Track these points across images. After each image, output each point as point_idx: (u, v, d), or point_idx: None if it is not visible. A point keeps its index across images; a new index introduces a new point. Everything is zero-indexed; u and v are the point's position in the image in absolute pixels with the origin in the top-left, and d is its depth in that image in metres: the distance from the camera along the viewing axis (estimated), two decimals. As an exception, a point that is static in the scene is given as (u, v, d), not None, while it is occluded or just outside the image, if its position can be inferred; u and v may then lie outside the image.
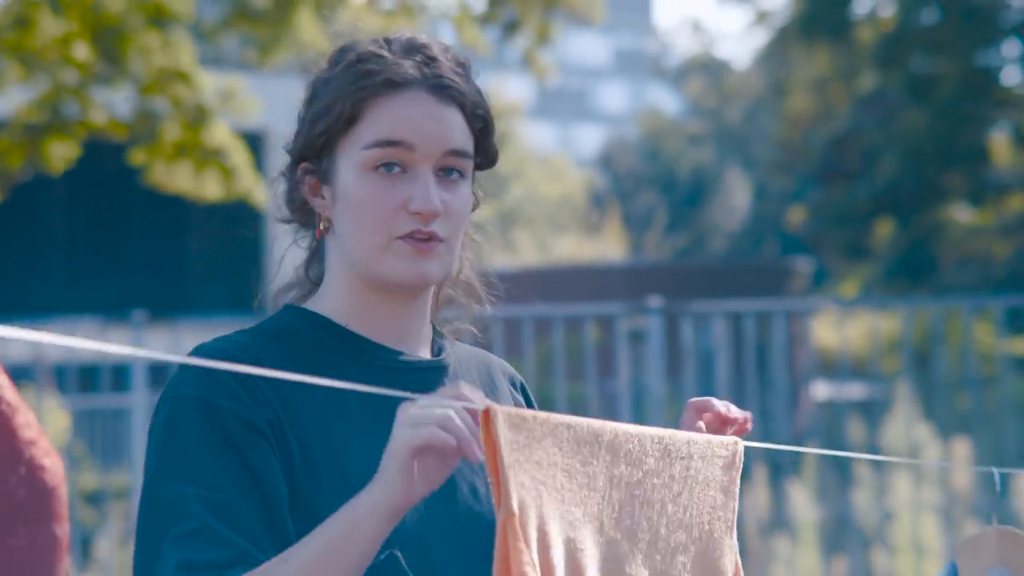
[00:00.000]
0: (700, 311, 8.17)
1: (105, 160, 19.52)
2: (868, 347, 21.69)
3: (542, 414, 1.85)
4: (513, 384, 2.38)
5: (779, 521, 9.85)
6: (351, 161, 2.16)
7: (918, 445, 9.28)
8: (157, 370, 8.61)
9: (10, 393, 1.90)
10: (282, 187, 2.28)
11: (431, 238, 2.13)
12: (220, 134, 11.82)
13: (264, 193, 12.32)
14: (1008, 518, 8.59)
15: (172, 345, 7.62)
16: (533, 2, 13.31)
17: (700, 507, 2.08)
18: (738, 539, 2.16)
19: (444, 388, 1.89)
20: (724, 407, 2.20)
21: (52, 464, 1.92)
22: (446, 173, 2.15)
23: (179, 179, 11.99)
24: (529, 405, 2.37)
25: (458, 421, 1.82)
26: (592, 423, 1.93)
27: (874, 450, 9.63)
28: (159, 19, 11.72)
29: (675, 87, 63.26)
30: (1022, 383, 13.02)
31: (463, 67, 2.19)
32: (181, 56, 11.72)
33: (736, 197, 51.94)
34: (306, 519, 2.05)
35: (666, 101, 67.97)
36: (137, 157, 12.12)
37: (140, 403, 7.52)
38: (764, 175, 45.57)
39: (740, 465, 2.13)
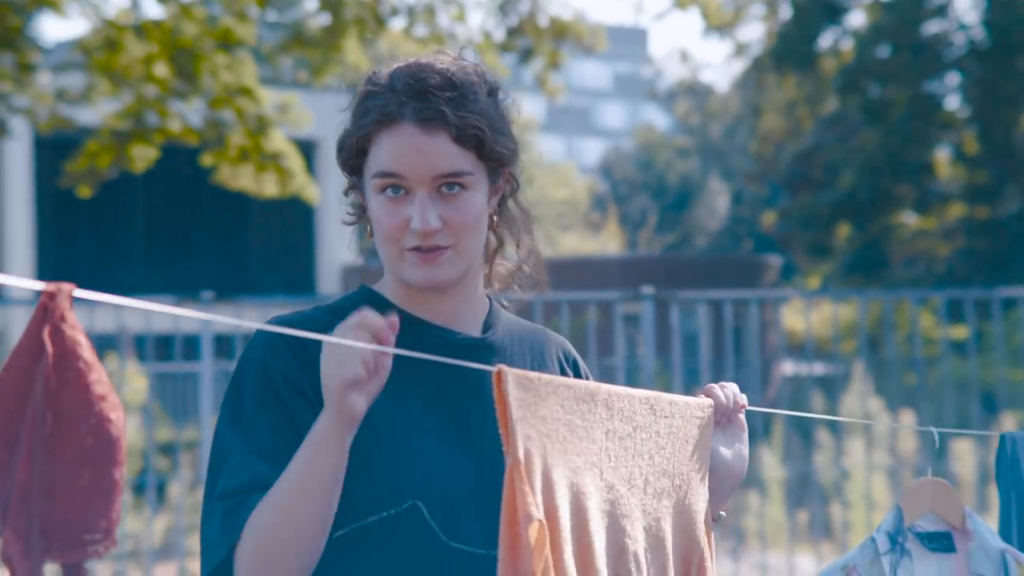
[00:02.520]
0: (686, 299, 8.13)
1: (180, 162, 19.55)
2: (829, 332, 21.67)
3: (546, 376, 1.85)
4: (566, 359, 2.34)
5: (750, 479, 9.83)
6: (369, 185, 2.16)
7: (870, 415, 9.26)
8: (221, 341, 8.61)
9: (87, 352, 1.91)
10: (349, 196, 2.27)
11: (436, 249, 2.12)
12: (278, 141, 11.83)
13: (315, 192, 12.32)
14: (946, 476, 8.55)
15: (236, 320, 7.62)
16: (545, 33, 13.28)
17: (680, 458, 2.07)
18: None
19: (357, 321, 1.92)
20: (725, 398, 2.19)
21: (117, 417, 1.93)
22: (448, 188, 2.12)
23: (242, 179, 12.01)
24: (578, 376, 2.34)
25: (371, 358, 1.91)
26: (588, 384, 1.94)
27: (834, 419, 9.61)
28: (227, 43, 11.73)
29: (666, 107, 63.09)
30: (959, 364, 12.98)
31: (459, 90, 2.12)
32: (245, 74, 11.72)
33: (717, 202, 51.83)
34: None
35: (658, 119, 67.82)
36: (207, 160, 12.13)
37: (207, 369, 7.51)
38: (741, 184, 45.46)
39: (712, 424, 2.12)
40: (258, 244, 25.23)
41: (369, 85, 2.17)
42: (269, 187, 11.94)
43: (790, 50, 29.43)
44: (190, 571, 8.87)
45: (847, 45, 29.87)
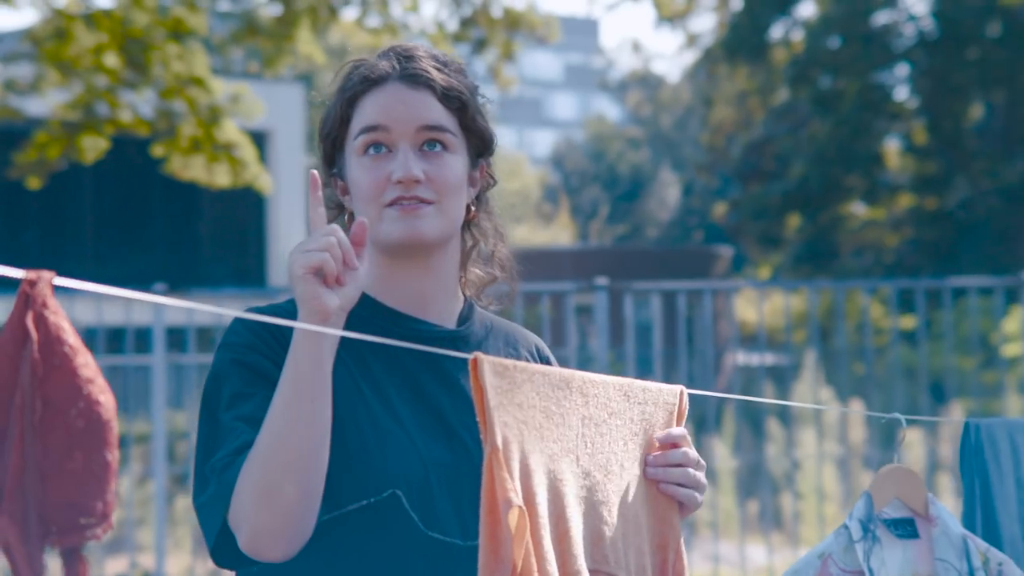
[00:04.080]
0: (640, 289, 8.14)
1: (130, 153, 19.39)
2: (780, 322, 21.78)
3: (522, 363, 1.86)
4: (539, 356, 2.35)
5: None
6: (351, 153, 2.16)
7: (821, 404, 9.31)
8: (173, 334, 8.55)
9: (72, 337, 1.92)
10: (326, 191, 2.25)
11: (419, 202, 2.11)
12: (230, 131, 11.77)
13: (268, 182, 12.27)
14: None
15: (188, 314, 7.55)
16: (498, 23, 13.27)
17: (651, 445, 2.08)
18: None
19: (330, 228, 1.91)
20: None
21: (106, 400, 1.94)
22: (429, 146, 2.14)
23: (194, 169, 11.94)
24: None
25: (337, 242, 1.89)
26: (563, 371, 1.94)
27: (783, 408, 9.66)
28: (178, 33, 11.65)
29: (617, 98, 63.21)
30: (908, 353, 13.07)
31: (444, 63, 2.18)
32: (196, 64, 11.66)
33: (668, 193, 51.99)
34: None
35: (609, 110, 67.94)
36: (158, 150, 12.05)
37: (159, 362, 7.46)
38: (692, 174, 45.61)
39: (684, 411, 2.13)
40: (209, 235, 25.09)
41: (355, 60, 2.20)
42: (221, 177, 11.88)
43: (741, 41, 29.55)
44: (141, 564, 8.82)
45: (798, 36, 30.03)
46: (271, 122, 22.13)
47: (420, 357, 2.12)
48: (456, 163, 2.15)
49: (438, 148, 2.14)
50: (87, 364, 1.94)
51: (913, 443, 9.68)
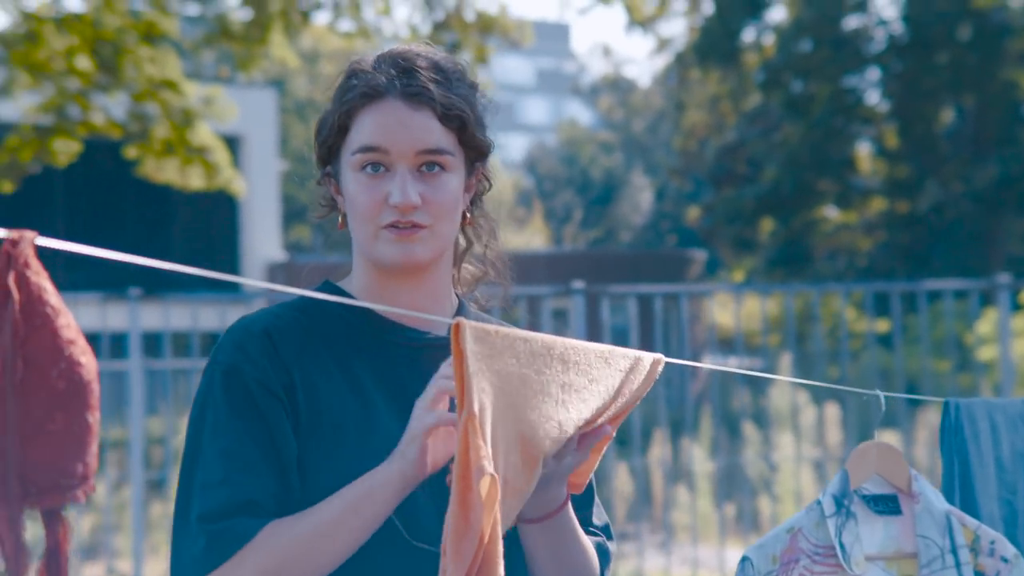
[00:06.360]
0: (616, 293, 8.15)
1: (102, 157, 19.31)
2: (756, 325, 21.82)
3: (503, 329, 1.86)
4: None
5: (679, 473, 9.87)
6: (347, 164, 2.13)
7: (797, 407, 9.32)
8: (149, 339, 8.51)
9: (54, 298, 1.91)
10: (319, 190, 2.24)
11: (413, 226, 2.09)
12: (203, 135, 11.73)
13: (240, 186, 12.23)
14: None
15: (164, 317, 7.51)
16: (471, 27, 13.27)
17: (627, 408, 2.09)
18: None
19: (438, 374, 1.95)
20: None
21: (88, 361, 1.93)
22: (428, 168, 2.11)
23: (167, 172, 11.90)
24: None
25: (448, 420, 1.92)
26: (545, 338, 1.94)
27: (760, 411, 9.67)
28: (150, 36, 11.62)
29: (589, 102, 63.28)
30: (883, 356, 13.11)
31: (444, 74, 2.14)
32: (169, 67, 11.63)
33: (641, 197, 52.07)
34: (301, 477, 2.04)
35: (581, 114, 68.01)
36: (130, 153, 12.01)
37: (136, 367, 7.41)
38: (665, 178, 45.69)
39: (654, 378, 2.12)
40: (181, 240, 25.02)
41: (353, 66, 2.16)
42: (195, 180, 11.84)
43: (712, 45, 29.62)
44: (118, 570, 8.77)
45: (769, 40, 30.12)
46: (244, 126, 22.07)
47: (410, 366, 2.11)
48: (453, 182, 2.13)
49: (436, 169, 2.11)
50: (69, 325, 1.92)
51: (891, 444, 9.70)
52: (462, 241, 2.27)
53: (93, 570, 9.29)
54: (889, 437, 9.75)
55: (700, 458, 9.85)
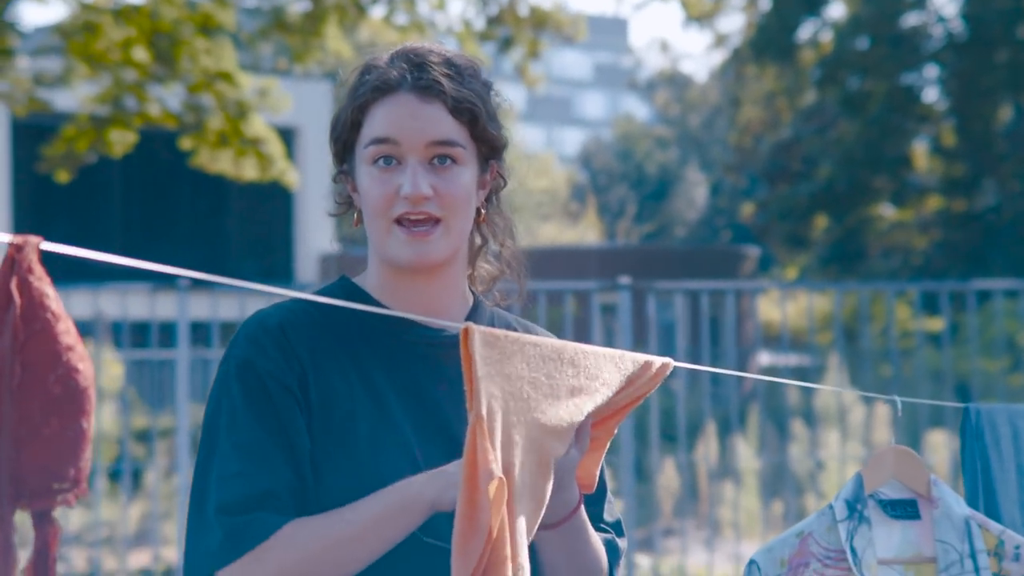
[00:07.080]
0: (663, 289, 8.14)
1: (158, 147, 19.47)
2: (805, 323, 21.71)
3: (513, 334, 1.87)
4: None
5: (726, 469, 9.85)
6: (360, 159, 2.15)
7: (845, 407, 9.29)
8: (198, 329, 8.59)
9: (55, 304, 1.92)
10: (336, 188, 2.25)
11: (426, 219, 2.10)
12: (257, 126, 11.81)
13: (295, 178, 12.30)
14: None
15: (212, 309, 7.57)
16: (525, 22, 13.27)
17: (628, 406, 2.09)
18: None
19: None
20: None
21: (85, 368, 1.94)
22: (440, 161, 2.11)
23: (222, 163, 11.99)
24: None
25: None
26: (555, 342, 1.95)
27: (809, 410, 9.63)
28: (207, 28, 11.69)
29: (645, 97, 63.10)
30: (934, 355, 13.03)
31: (456, 69, 2.14)
32: (225, 59, 11.70)
33: (695, 192, 51.90)
34: (313, 472, 2.06)
35: (638, 109, 67.84)
36: (185, 143, 12.10)
37: (184, 356, 7.48)
38: (719, 174, 45.51)
39: (659, 382, 2.12)
40: (236, 231, 25.16)
41: (367, 62, 2.18)
42: (248, 171, 11.92)
43: (769, 41, 29.45)
44: (164, 558, 8.86)
45: (826, 37, 29.92)
46: (299, 118, 22.18)
47: (423, 364, 2.12)
48: (465, 176, 2.13)
49: (448, 162, 2.12)
50: (68, 331, 1.95)
51: (938, 445, 9.65)
52: (477, 239, 2.26)
53: (139, 558, 9.40)
54: (938, 437, 9.69)
55: (747, 455, 9.83)
